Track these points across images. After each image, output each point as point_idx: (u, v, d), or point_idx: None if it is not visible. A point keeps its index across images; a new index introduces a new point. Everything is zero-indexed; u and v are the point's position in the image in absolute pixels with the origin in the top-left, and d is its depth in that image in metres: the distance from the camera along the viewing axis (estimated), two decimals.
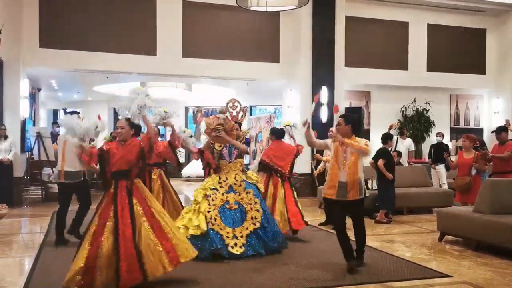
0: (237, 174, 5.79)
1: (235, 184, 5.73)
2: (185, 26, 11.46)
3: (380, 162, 8.03)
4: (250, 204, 5.69)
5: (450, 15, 13.42)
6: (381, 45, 12.86)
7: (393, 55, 13.01)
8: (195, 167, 15.93)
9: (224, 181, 5.73)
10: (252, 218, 5.62)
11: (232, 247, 5.42)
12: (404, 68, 13.11)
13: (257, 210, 5.68)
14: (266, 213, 5.80)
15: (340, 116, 5.26)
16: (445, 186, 10.44)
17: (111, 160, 4.42)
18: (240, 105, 6.14)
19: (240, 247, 5.44)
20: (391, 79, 12.91)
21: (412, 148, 11.71)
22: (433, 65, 13.36)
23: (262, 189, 6.17)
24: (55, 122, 13.36)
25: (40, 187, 11.09)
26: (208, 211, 5.51)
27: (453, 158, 9.18)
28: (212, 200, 5.60)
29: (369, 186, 8.95)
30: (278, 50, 12.20)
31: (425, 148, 12.99)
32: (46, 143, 10.46)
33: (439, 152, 10.71)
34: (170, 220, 4.53)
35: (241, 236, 5.50)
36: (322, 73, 11.76)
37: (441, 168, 10.60)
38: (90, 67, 10.85)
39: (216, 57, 11.64)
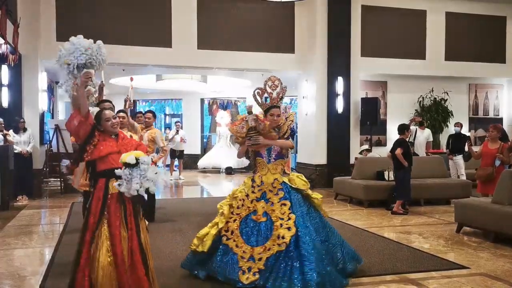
0: (276, 178, 4.46)
1: (270, 191, 4.42)
2: (199, 18, 11.46)
3: (398, 151, 7.95)
4: (282, 219, 4.24)
5: (469, 2, 13.14)
6: (398, 34, 12.67)
7: (410, 44, 12.81)
8: (211, 159, 16.02)
9: (258, 186, 4.48)
10: (278, 237, 4.15)
11: (244, 272, 4.12)
12: (422, 57, 12.91)
13: (288, 228, 4.17)
14: (303, 234, 4.17)
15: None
16: (464, 177, 10.33)
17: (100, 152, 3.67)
18: (281, 84, 4.74)
19: (254, 274, 4.09)
20: (408, 69, 12.73)
21: (430, 138, 11.61)
22: (451, 53, 13.12)
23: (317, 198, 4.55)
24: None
25: (59, 179, 11.25)
26: (227, 222, 4.42)
27: (474, 148, 9.04)
28: (237, 208, 4.46)
29: (386, 177, 8.92)
30: (293, 41, 12.13)
31: (443, 138, 12.84)
32: (64, 136, 10.59)
33: (457, 143, 10.60)
34: None
35: (259, 259, 4.12)
36: (338, 63, 11.67)
37: (459, 158, 10.49)
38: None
39: (231, 48, 11.63)
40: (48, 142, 11.59)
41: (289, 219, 4.23)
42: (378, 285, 4.35)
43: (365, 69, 12.30)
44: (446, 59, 13.09)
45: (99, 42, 4.14)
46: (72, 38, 4.18)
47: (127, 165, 3.42)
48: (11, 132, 9.40)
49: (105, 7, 10.84)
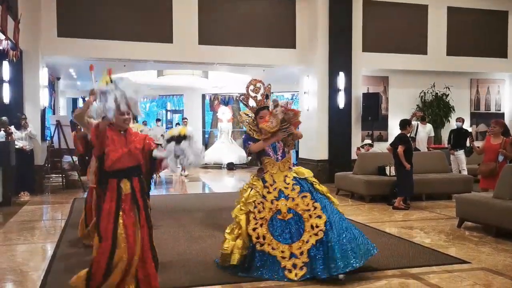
0: (286, 175, 4.55)
1: (286, 188, 4.48)
2: (201, 13, 11.43)
3: (400, 149, 7.91)
4: (309, 210, 4.38)
5: None
6: (400, 29, 12.62)
7: (412, 39, 12.76)
8: (213, 154, 16.03)
9: (272, 185, 4.51)
10: (312, 227, 4.31)
11: (290, 271, 4.22)
12: (423, 52, 12.86)
13: (319, 217, 4.33)
14: (332, 219, 4.36)
15: None
16: (465, 172, 10.32)
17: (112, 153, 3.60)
18: (264, 85, 4.76)
19: (301, 268, 4.22)
20: (409, 64, 12.69)
21: (432, 133, 11.61)
22: (453, 48, 13.07)
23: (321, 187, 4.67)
24: (74, 111, 13.54)
25: (60, 175, 11.27)
26: (254, 229, 4.37)
27: (476, 143, 9.03)
28: (259, 212, 4.42)
29: (387, 172, 8.91)
30: (295, 36, 12.09)
31: (445, 133, 12.82)
32: (65, 132, 10.61)
33: (458, 138, 10.59)
34: None
35: (301, 254, 4.24)
36: (339, 58, 11.63)
37: (460, 153, 10.48)
38: (107, 56, 10.91)
39: (233, 44, 11.60)
40: (49, 138, 11.60)
41: (315, 208, 4.37)
42: (380, 279, 4.36)
43: (366, 64, 12.27)
44: (447, 54, 13.04)
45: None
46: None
47: (184, 137, 3.49)
48: (12, 128, 9.41)
49: (106, 2, 10.81)
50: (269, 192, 4.47)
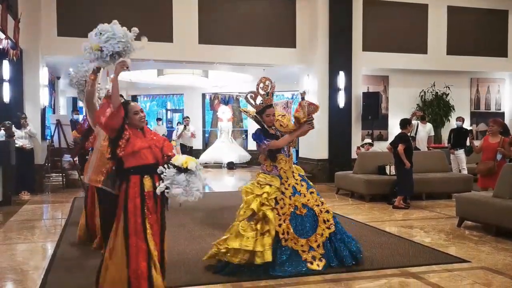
0: (293, 172, 4.74)
1: (296, 184, 4.68)
2: (201, 13, 11.42)
3: (400, 147, 7.91)
4: (318, 205, 4.67)
5: None
6: (400, 29, 12.62)
7: (412, 38, 12.75)
8: (213, 154, 16.02)
9: (286, 181, 4.65)
10: (324, 221, 4.62)
11: (311, 263, 4.48)
12: (423, 51, 12.86)
13: (327, 211, 4.67)
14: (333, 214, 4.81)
15: None
16: (465, 171, 10.32)
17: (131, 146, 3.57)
18: (272, 83, 4.79)
19: (320, 259, 4.51)
20: (409, 63, 12.69)
21: (432, 133, 11.60)
22: (453, 48, 13.07)
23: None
24: (74, 110, 13.55)
25: (60, 174, 11.27)
26: (280, 225, 4.46)
27: (476, 142, 9.03)
28: (281, 208, 4.54)
29: (387, 171, 8.92)
30: (295, 35, 12.09)
31: (445, 133, 12.82)
32: (65, 131, 10.62)
33: (459, 137, 10.59)
34: None
35: (318, 246, 4.54)
36: (340, 57, 11.63)
37: (460, 153, 10.48)
38: None
39: (233, 43, 11.59)
40: (49, 138, 11.60)
41: (323, 203, 4.72)
42: (379, 278, 4.36)
43: (366, 63, 12.27)
44: (447, 53, 13.04)
45: (135, 29, 4.03)
46: (105, 26, 3.95)
47: (185, 170, 3.40)
48: (12, 127, 9.40)
49: (106, 2, 10.81)
50: (286, 189, 4.62)
